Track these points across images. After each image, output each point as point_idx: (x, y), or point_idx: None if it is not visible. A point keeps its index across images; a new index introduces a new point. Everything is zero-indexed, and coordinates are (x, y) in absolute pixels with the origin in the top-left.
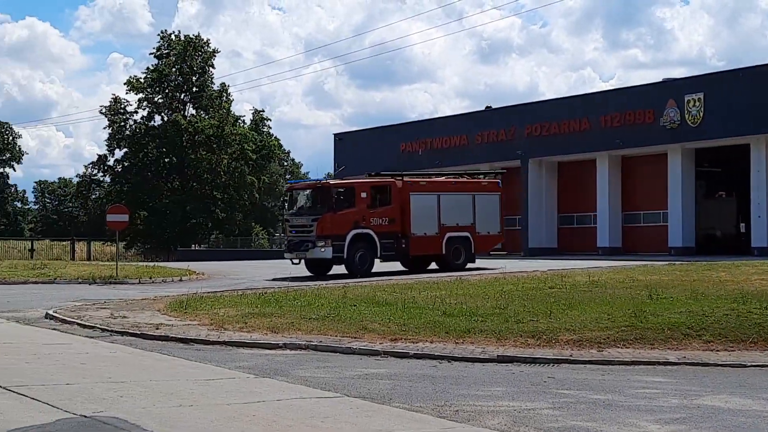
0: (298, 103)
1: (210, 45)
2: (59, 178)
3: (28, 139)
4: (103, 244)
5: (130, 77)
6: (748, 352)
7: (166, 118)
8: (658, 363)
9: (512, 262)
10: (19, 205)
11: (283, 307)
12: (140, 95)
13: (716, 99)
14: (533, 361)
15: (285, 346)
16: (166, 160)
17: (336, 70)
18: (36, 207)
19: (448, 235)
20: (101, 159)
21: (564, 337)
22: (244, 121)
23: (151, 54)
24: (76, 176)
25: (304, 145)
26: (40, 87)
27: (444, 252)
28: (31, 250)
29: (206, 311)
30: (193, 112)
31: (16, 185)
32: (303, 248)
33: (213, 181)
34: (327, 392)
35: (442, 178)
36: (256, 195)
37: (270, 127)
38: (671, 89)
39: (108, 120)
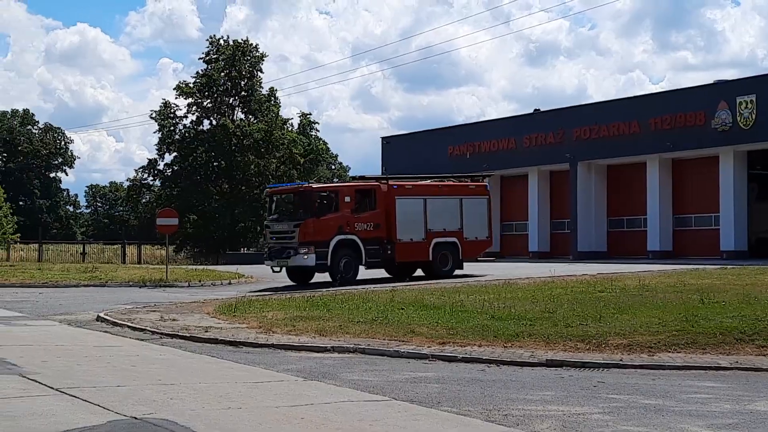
0: (346, 107)
1: (258, 49)
2: (110, 182)
3: (79, 143)
4: (153, 247)
5: (180, 82)
6: None
7: (214, 123)
8: (710, 368)
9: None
10: (71, 209)
11: (331, 311)
12: (189, 100)
13: None
14: (583, 365)
15: (333, 349)
16: (214, 164)
17: (383, 74)
18: (88, 211)
19: (435, 240)
20: (151, 163)
21: (614, 342)
22: (291, 125)
23: (200, 59)
24: (127, 180)
25: (352, 148)
26: (91, 92)
27: (431, 258)
28: (83, 253)
29: (255, 314)
30: (242, 116)
31: (68, 189)
32: (284, 255)
33: (261, 184)
34: (375, 395)
35: (428, 182)
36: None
37: (317, 131)
38: (722, 91)
39: (158, 124)
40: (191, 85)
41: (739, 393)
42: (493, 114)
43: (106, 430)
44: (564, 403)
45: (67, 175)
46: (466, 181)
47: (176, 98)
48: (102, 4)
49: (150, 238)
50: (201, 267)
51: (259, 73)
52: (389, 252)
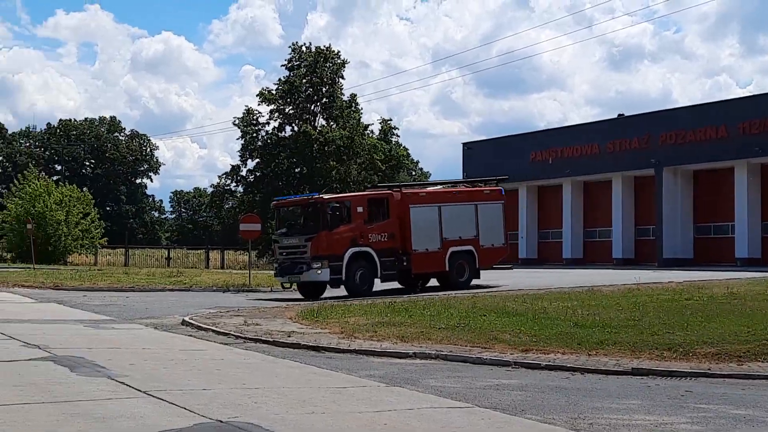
0: (426, 112)
1: (339, 56)
2: (194, 188)
3: (164, 150)
4: (236, 252)
5: (262, 89)
6: None
7: (296, 129)
8: None
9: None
10: (156, 214)
11: (412, 317)
12: (272, 106)
13: None
14: (669, 374)
15: (415, 356)
16: (296, 170)
17: (463, 80)
18: (172, 216)
19: (451, 249)
20: (234, 169)
21: (701, 350)
22: (372, 131)
23: (282, 66)
24: (210, 186)
25: (432, 154)
26: (175, 99)
27: (447, 268)
28: (168, 258)
29: (336, 320)
30: (323, 122)
31: (153, 195)
32: (296, 271)
33: (343, 191)
34: (458, 402)
35: (441, 188)
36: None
37: (398, 136)
38: None
39: (240, 131)
40: (273, 92)
41: None
42: (575, 119)
43: None
44: (650, 412)
45: (152, 181)
46: (480, 186)
47: (259, 105)
48: (186, 13)
49: (233, 243)
50: None
51: (340, 79)
52: (405, 263)
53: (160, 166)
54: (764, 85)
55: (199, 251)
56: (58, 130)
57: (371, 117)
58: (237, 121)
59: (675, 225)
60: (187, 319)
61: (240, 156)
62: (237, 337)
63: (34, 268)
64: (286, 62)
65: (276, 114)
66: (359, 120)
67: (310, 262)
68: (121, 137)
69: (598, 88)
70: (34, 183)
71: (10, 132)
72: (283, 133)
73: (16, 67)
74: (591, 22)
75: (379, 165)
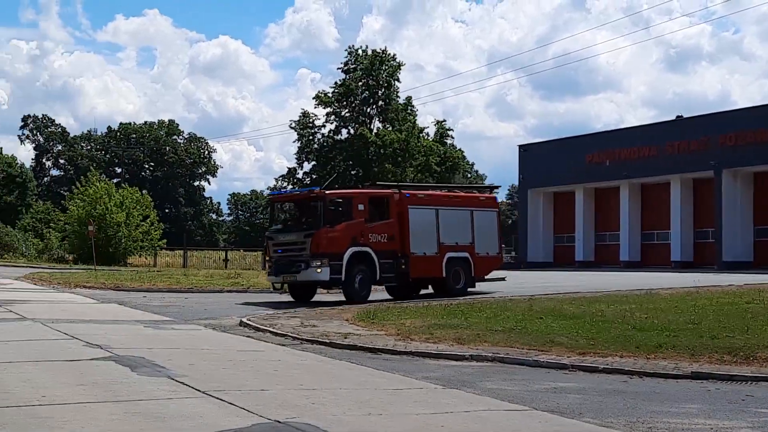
0: (481, 114)
1: (395, 59)
2: (251, 191)
3: (222, 153)
4: None
5: (319, 92)
6: None
7: (352, 132)
8: None
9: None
10: (214, 216)
11: (468, 319)
12: (328, 109)
13: None
14: (730, 378)
15: (471, 358)
16: (352, 172)
17: (519, 82)
18: (230, 218)
19: (447, 255)
20: (291, 172)
21: (763, 355)
22: (427, 133)
23: (338, 69)
24: (267, 188)
25: (487, 156)
26: (232, 103)
27: (444, 274)
28: (226, 260)
29: (393, 322)
30: (379, 125)
31: (211, 198)
32: (294, 269)
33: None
34: (515, 405)
35: (439, 191)
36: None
37: (453, 138)
38: None
39: (297, 134)
40: (330, 95)
41: None
42: (632, 121)
43: None
44: (710, 416)
45: (210, 183)
46: (474, 193)
47: (315, 108)
48: (243, 17)
49: None
50: None
51: (396, 82)
52: (403, 266)
53: (217, 168)
54: None
55: (255, 253)
56: (118, 134)
57: (426, 120)
58: (293, 124)
59: (734, 227)
60: (244, 320)
61: (296, 158)
62: (294, 338)
63: (95, 269)
64: (342, 65)
65: (332, 117)
66: (414, 122)
67: (310, 260)
68: (179, 140)
69: (655, 90)
70: (95, 185)
71: (71, 135)
72: (339, 135)
73: (77, 72)
74: (648, 23)
75: (434, 167)
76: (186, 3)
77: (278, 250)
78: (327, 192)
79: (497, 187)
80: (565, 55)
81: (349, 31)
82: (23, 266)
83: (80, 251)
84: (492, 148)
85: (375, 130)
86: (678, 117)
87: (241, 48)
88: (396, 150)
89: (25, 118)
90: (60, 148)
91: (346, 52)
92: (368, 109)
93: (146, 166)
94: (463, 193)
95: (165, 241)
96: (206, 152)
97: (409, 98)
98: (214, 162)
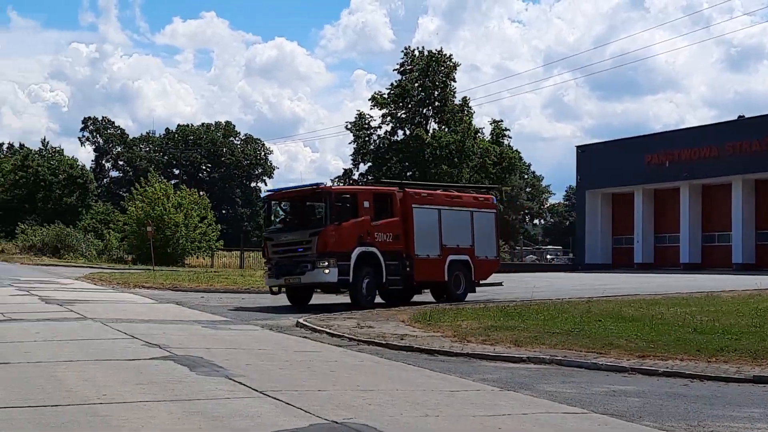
0: (538, 115)
1: (451, 59)
2: None
3: (278, 154)
4: None
5: (375, 93)
6: None
7: (408, 133)
8: None
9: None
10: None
11: (525, 321)
12: (384, 110)
13: None
14: None
15: (528, 360)
16: (408, 174)
17: (576, 82)
18: None
19: (450, 257)
20: (346, 173)
21: None
22: (483, 133)
23: (394, 70)
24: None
25: (544, 157)
26: (288, 104)
27: (446, 278)
28: None
29: (449, 323)
30: (435, 126)
31: None
32: (298, 271)
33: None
34: (573, 408)
35: (441, 191)
36: (499, 206)
37: (510, 137)
38: None
39: (353, 135)
40: (386, 96)
41: None
42: (692, 121)
43: None
44: None
45: (266, 184)
46: (471, 193)
47: (371, 109)
48: (299, 19)
49: None
50: None
51: (452, 82)
52: (408, 269)
53: (273, 169)
54: None
55: None
56: (176, 135)
57: (482, 120)
58: (349, 126)
59: None
60: (301, 320)
61: (352, 160)
62: (350, 339)
63: (153, 270)
64: (398, 66)
65: (388, 118)
66: (470, 123)
67: (316, 260)
68: (236, 142)
69: (715, 90)
70: (153, 186)
71: (131, 137)
72: (395, 137)
73: (135, 74)
74: (708, 22)
75: (490, 169)
76: (242, 5)
77: (279, 250)
78: (333, 187)
79: (496, 188)
80: (623, 55)
81: (404, 32)
82: (83, 266)
83: (139, 252)
84: (549, 149)
85: (431, 131)
86: (739, 117)
87: (296, 50)
88: (452, 151)
89: (85, 120)
90: (119, 149)
91: (402, 53)
92: (424, 110)
93: (203, 168)
94: (463, 194)
95: (222, 242)
96: (262, 154)
97: (464, 99)
98: (271, 163)
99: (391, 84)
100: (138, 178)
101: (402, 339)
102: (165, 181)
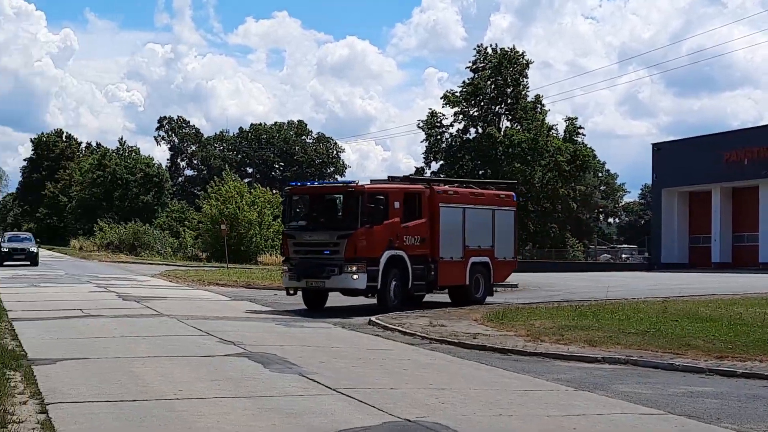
0: (612, 113)
1: (524, 57)
2: None
3: (349, 152)
4: None
5: (446, 91)
6: None
7: (480, 131)
8: None
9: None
10: None
11: (600, 321)
12: (456, 109)
13: None
14: None
15: (603, 360)
16: (480, 172)
17: (651, 79)
18: None
19: (471, 260)
20: (418, 172)
21: None
22: (556, 130)
23: (466, 68)
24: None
25: (619, 155)
26: (359, 103)
27: (468, 282)
28: None
29: (522, 322)
30: (508, 124)
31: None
32: (323, 274)
33: (527, 193)
34: (649, 409)
35: (466, 187)
36: (573, 205)
37: (584, 135)
38: None
39: (425, 133)
40: (457, 94)
41: None
42: None
43: None
44: None
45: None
46: (491, 189)
47: (443, 107)
48: (370, 17)
49: None
50: None
51: (525, 79)
52: (432, 273)
53: (345, 168)
54: None
55: None
56: (249, 134)
57: (555, 118)
58: (421, 124)
59: None
60: (373, 318)
61: (424, 158)
62: (423, 337)
63: (227, 268)
64: (470, 64)
65: (460, 116)
66: (543, 121)
67: (344, 265)
68: (308, 140)
69: None
70: (228, 185)
71: (205, 136)
72: (467, 135)
73: (209, 74)
74: None
75: (564, 166)
76: (314, 4)
77: (302, 250)
78: (366, 186)
79: (515, 183)
80: (699, 51)
81: (476, 30)
82: (159, 264)
83: (213, 249)
84: (623, 146)
85: (503, 129)
86: None
87: (368, 48)
88: (524, 149)
89: (160, 120)
90: (194, 148)
91: (475, 51)
92: (497, 108)
93: (276, 166)
94: (485, 191)
95: None
96: (334, 152)
97: (537, 96)
98: (343, 162)
99: (463, 82)
100: (212, 177)
101: (475, 338)
102: (239, 179)
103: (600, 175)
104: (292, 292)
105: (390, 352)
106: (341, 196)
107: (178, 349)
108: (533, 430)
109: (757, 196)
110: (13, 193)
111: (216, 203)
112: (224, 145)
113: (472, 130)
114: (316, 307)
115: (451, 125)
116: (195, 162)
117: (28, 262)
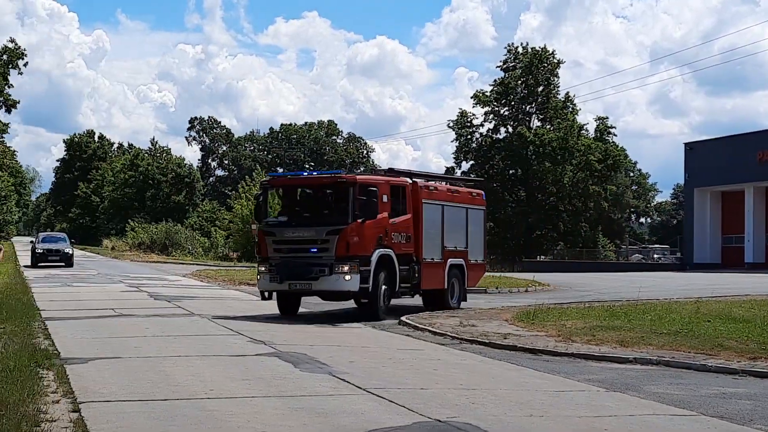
0: (643, 112)
1: (555, 56)
2: None
3: (379, 152)
4: None
5: (477, 91)
6: None
7: (511, 131)
8: None
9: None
10: None
11: (632, 321)
12: (486, 108)
13: None
14: None
15: (635, 361)
16: (511, 171)
17: (683, 78)
18: None
19: (449, 261)
20: (449, 171)
21: None
22: (587, 130)
23: (497, 67)
24: None
25: (650, 155)
26: (389, 103)
27: (446, 285)
28: None
29: (553, 322)
30: (538, 123)
31: None
32: (312, 275)
33: (558, 192)
34: (681, 410)
35: (443, 184)
36: (604, 204)
37: (615, 135)
38: None
39: (455, 133)
40: (488, 94)
41: None
42: None
43: None
44: None
45: None
46: (461, 186)
47: (473, 107)
48: (400, 17)
49: None
50: (497, 274)
51: (555, 78)
52: (416, 275)
53: (376, 168)
54: None
55: None
56: (279, 134)
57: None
58: (451, 124)
59: None
60: (404, 318)
61: (454, 158)
62: (453, 337)
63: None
64: (501, 63)
65: (491, 116)
66: (574, 120)
67: (335, 264)
68: (338, 140)
69: None
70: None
71: (236, 136)
72: (498, 134)
73: (240, 74)
74: None
75: (595, 165)
76: (344, 4)
77: (284, 248)
78: (358, 177)
79: (482, 181)
80: (732, 50)
81: (506, 30)
82: (190, 263)
83: (244, 249)
84: (655, 146)
85: (533, 129)
86: None
87: (398, 48)
88: (554, 148)
89: (191, 120)
90: (224, 148)
91: (506, 50)
92: (527, 108)
93: (307, 166)
94: (460, 188)
95: None
96: (365, 152)
97: (567, 95)
98: (373, 161)
99: (494, 81)
100: (243, 177)
101: (505, 338)
102: None
103: (632, 174)
104: (267, 295)
105: (420, 352)
106: (329, 187)
107: (208, 348)
108: (564, 431)
109: None
110: (46, 194)
111: (247, 203)
112: (255, 145)
113: (503, 129)
114: (290, 314)
115: (482, 125)
116: (226, 162)
117: (63, 264)
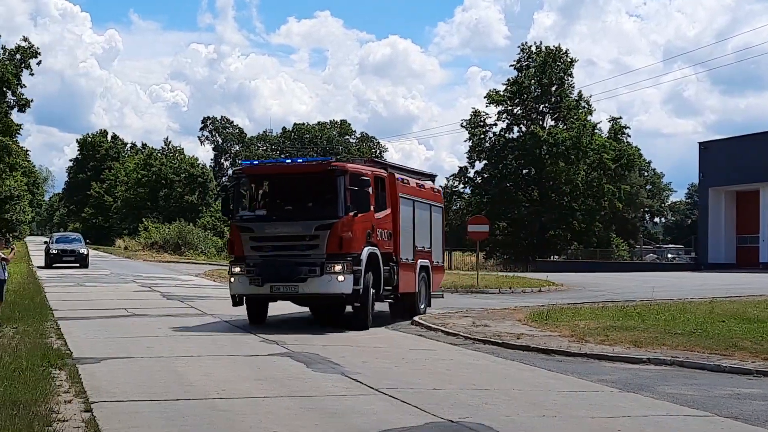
0: (657, 111)
1: (568, 55)
2: None
3: (392, 152)
4: (464, 254)
5: (490, 90)
6: None
7: (524, 130)
8: None
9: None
10: None
11: (645, 321)
12: (499, 108)
13: None
14: None
15: (649, 361)
16: (524, 171)
17: (697, 77)
18: None
19: (419, 262)
20: (462, 171)
21: None
22: (600, 129)
23: (510, 66)
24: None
25: (664, 154)
26: (402, 102)
27: (417, 288)
28: None
29: (566, 323)
30: (552, 122)
31: None
32: (300, 276)
33: (572, 192)
34: (695, 411)
35: (414, 179)
36: (619, 204)
37: (629, 135)
38: None
39: (468, 133)
40: (501, 93)
41: None
42: None
43: None
44: None
45: None
46: (421, 180)
47: (486, 106)
48: (412, 17)
49: (460, 244)
50: (510, 274)
51: (569, 78)
52: (396, 276)
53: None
54: None
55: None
56: (292, 134)
57: (599, 116)
58: (464, 123)
59: None
60: (416, 319)
61: (467, 157)
62: (466, 338)
63: None
64: (514, 62)
65: (504, 115)
66: (587, 119)
67: (326, 263)
68: (351, 140)
69: None
70: None
71: (248, 136)
72: (511, 134)
73: (252, 74)
74: None
75: (609, 165)
76: (356, 4)
77: (264, 246)
78: (349, 166)
79: (435, 176)
80: (746, 49)
81: (519, 29)
82: (203, 263)
83: None
84: (669, 145)
85: (547, 128)
86: None
87: (410, 47)
88: (567, 147)
89: (204, 120)
90: (237, 148)
91: (519, 49)
92: (541, 107)
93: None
94: (425, 183)
95: None
96: (378, 151)
97: (580, 93)
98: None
99: (508, 80)
100: None
101: (518, 338)
102: None
103: (646, 174)
104: (238, 300)
105: (433, 352)
106: (317, 176)
107: (220, 348)
108: None
109: None
110: (59, 194)
111: None
112: (267, 144)
113: (516, 129)
114: (259, 321)
115: (495, 124)
116: (238, 162)
117: (78, 265)
